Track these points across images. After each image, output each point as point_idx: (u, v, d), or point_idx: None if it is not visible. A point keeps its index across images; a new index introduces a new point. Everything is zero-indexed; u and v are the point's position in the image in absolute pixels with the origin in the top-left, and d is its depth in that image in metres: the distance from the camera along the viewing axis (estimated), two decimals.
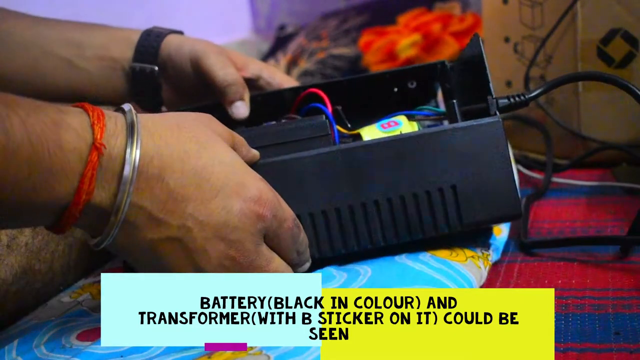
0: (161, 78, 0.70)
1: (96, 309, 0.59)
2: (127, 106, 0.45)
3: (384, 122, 0.61)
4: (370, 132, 0.60)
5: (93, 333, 0.54)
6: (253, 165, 0.53)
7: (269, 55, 1.80)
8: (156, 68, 0.70)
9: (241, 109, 0.65)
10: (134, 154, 0.43)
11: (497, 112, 0.56)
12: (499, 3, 0.93)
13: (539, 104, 0.89)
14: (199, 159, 0.45)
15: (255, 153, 0.53)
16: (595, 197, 0.78)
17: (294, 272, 0.51)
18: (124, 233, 0.44)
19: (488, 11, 0.96)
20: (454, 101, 0.58)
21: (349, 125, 0.61)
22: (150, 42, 0.70)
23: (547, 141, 0.86)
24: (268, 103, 0.67)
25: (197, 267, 0.46)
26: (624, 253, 0.60)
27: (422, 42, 1.54)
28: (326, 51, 1.66)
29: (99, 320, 0.56)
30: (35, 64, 0.71)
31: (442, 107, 0.65)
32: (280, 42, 1.86)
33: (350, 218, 0.55)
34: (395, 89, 0.68)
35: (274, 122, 0.61)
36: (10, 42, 0.71)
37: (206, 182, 0.45)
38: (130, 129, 0.43)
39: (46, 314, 0.59)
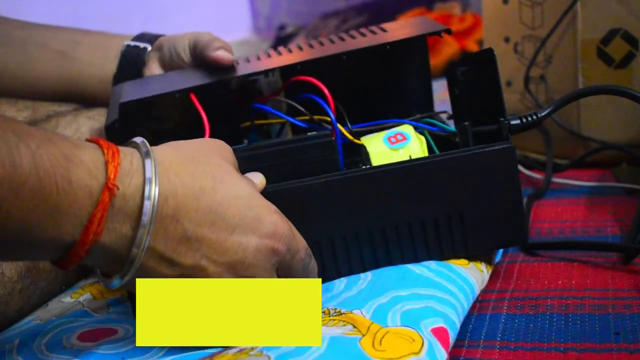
0: (150, 58, 0.71)
1: (97, 309, 0.59)
2: (139, 140, 0.44)
3: (390, 134, 0.59)
4: (376, 145, 0.58)
5: (94, 334, 0.54)
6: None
7: None
8: (149, 47, 0.71)
9: (225, 54, 0.64)
10: (153, 196, 0.41)
11: (510, 136, 0.55)
12: (499, 3, 0.93)
13: (539, 104, 0.89)
14: (214, 195, 0.44)
15: (259, 186, 0.52)
16: (595, 197, 0.78)
17: None
18: (135, 274, 0.43)
19: (488, 11, 0.96)
20: (466, 123, 0.57)
21: (349, 126, 0.60)
22: (150, 33, 0.73)
23: (547, 141, 0.86)
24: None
25: None
26: (625, 261, 0.60)
27: None
28: None
29: (100, 321, 0.56)
30: (31, 58, 0.72)
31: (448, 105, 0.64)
32: (280, 42, 1.86)
33: (357, 245, 0.54)
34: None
35: (277, 139, 0.60)
36: (6, 40, 0.72)
37: (221, 220, 0.44)
38: (148, 169, 0.42)
39: (47, 315, 0.59)
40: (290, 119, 0.61)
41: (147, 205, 0.41)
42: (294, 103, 0.61)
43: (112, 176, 0.40)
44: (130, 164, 0.42)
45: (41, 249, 0.41)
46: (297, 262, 0.48)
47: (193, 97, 0.59)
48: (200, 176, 0.44)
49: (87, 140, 0.43)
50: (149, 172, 0.42)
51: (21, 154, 0.38)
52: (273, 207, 0.48)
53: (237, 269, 0.45)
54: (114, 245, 0.41)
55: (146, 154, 0.43)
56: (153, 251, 0.42)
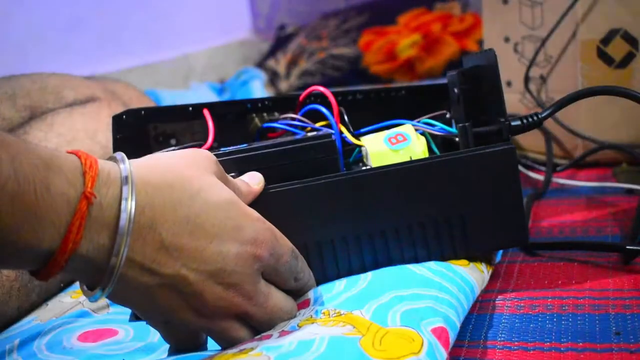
0: None
1: (97, 309, 0.59)
2: (119, 155, 0.45)
3: (391, 135, 0.59)
4: (376, 145, 0.58)
5: (94, 334, 0.54)
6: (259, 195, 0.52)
7: (269, 55, 1.80)
8: None
9: None
10: (130, 207, 0.42)
11: (510, 137, 0.55)
12: (499, 3, 0.93)
13: (540, 104, 0.89)
14: (192, 205, 0.44)
15: (256, 188, 0.52)
16: (595, 197, 0.78)
17: (296, 299, 0.51)
18: (117, 284, 0.43)
19: (488, 11, 0.96)
20: (467, 124, 0.57)
21: (351, 130, 0.60)
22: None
23: (547, 141, 0.86)
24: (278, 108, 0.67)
25: (194, 309, 0.45)
26: (625, 261, 0.60)
27: (422, 42, 1.55)
28: (326, 51, 1.66)
29: (99, 322, 0.56)
30: None
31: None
32: (280, 42, 1.86)
33: (357, 246, 0.54)
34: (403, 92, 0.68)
35: (278, 139, 0.60)
36: None
37: (200, 229, 0.44)
38: (125, 181, 0.42)
39: (47, 314, 0.59)
40: (296, 131, 0.61)
41: (124, 216, 0.41)
42: (298, 116, 0.62)
43: (89, 185, 0.41)
44: (108, 175, 0.42)
45: (20, 257, 0.40)
46: (282, 266, 0.48)
47: (206, 113, 0.62)
48: (178, 187, 0.44)
49: (67, 151, 0.43)
50: (126, 184, 0.42)
51: (0, 159, 0.38)
52: (255, 215, 0.48)
53: (219, 277, 0.45)
54: (93, 255, 0.41)
55: (124, 167, 0.43)
56: (132, 261, 0.42)
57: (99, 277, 0.42)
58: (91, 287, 0.44)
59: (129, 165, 0.43)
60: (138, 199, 0.42)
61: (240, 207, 0.47)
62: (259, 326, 0.48)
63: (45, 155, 0.40)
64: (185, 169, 0.46)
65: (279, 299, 0.48)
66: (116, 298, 0.45)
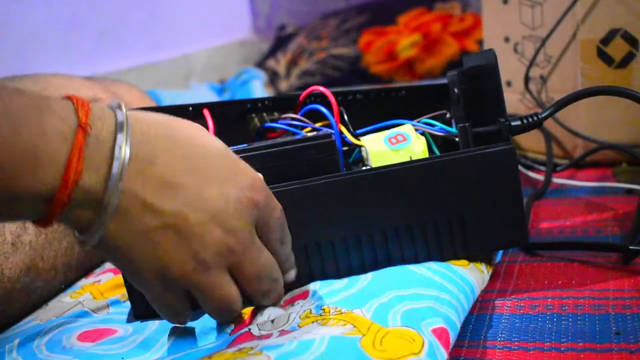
0: None
1: (97, 309, 0.59)
2: (114, 102, 0.45)
3: (391, 135, 0.59)
4: (376, 145, 0.58)
5: (94, 334, 0.54)
6: None
7: (269, 55, 1.80)
8: None
9: None
10: (124, 151, 0.42)
11: (510, 137, 0.55)
12: (499, 3, 0.93)
13: (540, 104, 0.89)
14: (188, 147, 0.45)
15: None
16: (595, 197, 0.78)
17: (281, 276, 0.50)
18: (117, 223, 0.42)
19: (488, 11, 0.96)
20: (466, 125, 0.57)
21: (351, 130, 0.60)
22: None
23: (547, 141, 0.86)
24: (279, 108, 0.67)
25: (194, 255, 0.45)
26: (625, 261, 0.60)
27: (422, 42, 1.55)
28: (326, 51, 1.66)
29: (99, 321, 0.56)
30: None
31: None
32: (280, 42, 1.86)
33: (357, 246, 0.54)
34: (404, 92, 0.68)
35: (278, 139, 0.60)
36: None
37: (198, 170, 0.45)
38: (121, 126, 0.42)
39: (47, 314, 0.59)
40: (296, 131, 0.61)
41: (120, 142, 0.41)
42: (298, 116, 0.62)
43: (83, 118, 0.41)
44: (102, 110, 0.43)
45: (22, 203, 0.40)
46: (274, 220, 0.48)
47: (206, 113, 0.62)
48: (174, 132, 0.45)
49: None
50: (121, 116, 0.42)
51: None
52: (248, 165, 0.48)
53: (220, 219, 0.45)
54: (95, 188, 0.41)
55: (117, 105, 0.43)
56: (134, 196, 0.42)
57: (99, 217, 0.42)
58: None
59: (121, 104, 0.44)
60: (134, 132, 0.43)
61: (234, 156, 0.48)
62: (247, 283, 0.48)
63: (37, 98, 0.40)
64: (180, 120, 0.47)
65: (269, 257, 0.49)
66: (112, 243, 0.44)
